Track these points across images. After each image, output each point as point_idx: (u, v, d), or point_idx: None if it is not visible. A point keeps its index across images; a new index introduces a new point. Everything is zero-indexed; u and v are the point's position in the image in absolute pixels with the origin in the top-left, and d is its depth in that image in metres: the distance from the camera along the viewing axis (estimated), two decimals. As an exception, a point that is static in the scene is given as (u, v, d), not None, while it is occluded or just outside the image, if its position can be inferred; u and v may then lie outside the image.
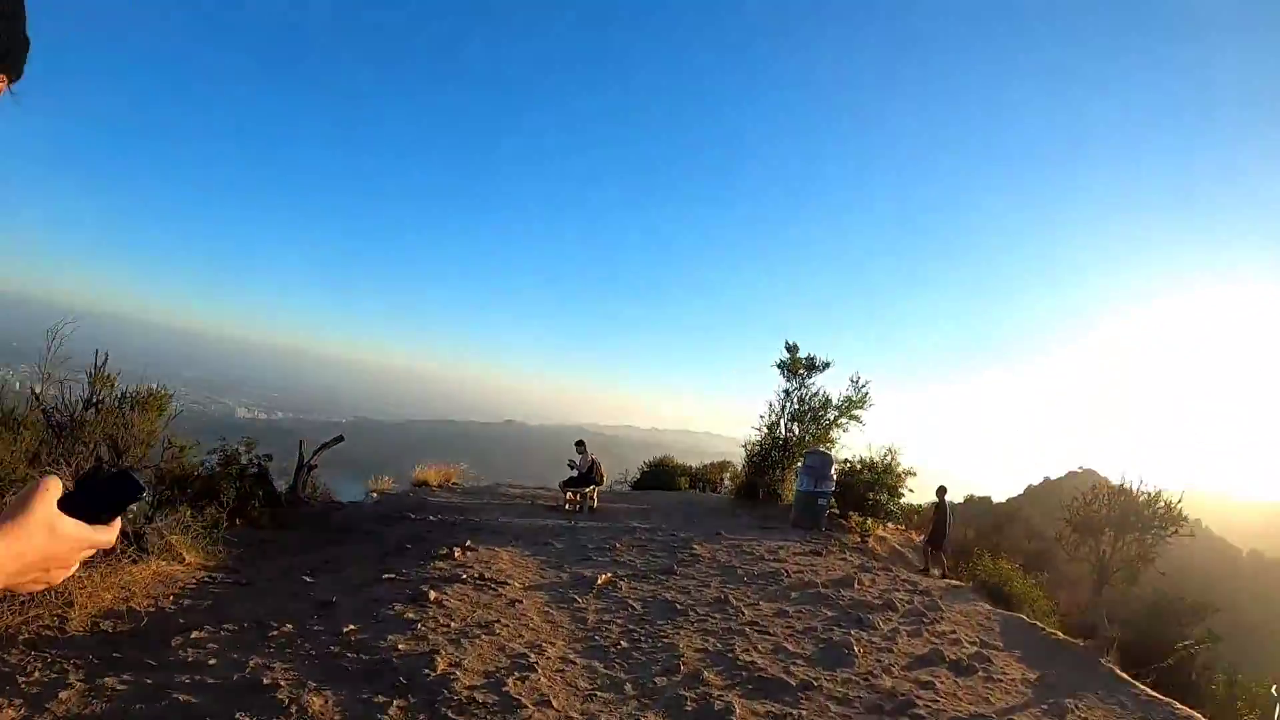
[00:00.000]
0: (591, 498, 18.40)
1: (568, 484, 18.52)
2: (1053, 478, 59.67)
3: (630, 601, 8.73)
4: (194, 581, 8.66)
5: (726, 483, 26.75)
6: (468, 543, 11.06)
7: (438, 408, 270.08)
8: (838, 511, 19.16)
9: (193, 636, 6.58)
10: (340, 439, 18.13)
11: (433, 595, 7.85)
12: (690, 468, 28.57)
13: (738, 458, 24.05)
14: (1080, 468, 59.22)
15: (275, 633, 6.71)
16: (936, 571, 15.88)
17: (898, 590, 11.20)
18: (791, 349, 21.91)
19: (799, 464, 19.69)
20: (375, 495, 19.99)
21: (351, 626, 6.86)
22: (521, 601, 8.19)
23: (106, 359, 11.03)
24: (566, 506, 18.14)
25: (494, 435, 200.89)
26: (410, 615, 7.24)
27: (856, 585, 10.88)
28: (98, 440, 9.91)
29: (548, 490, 21.54)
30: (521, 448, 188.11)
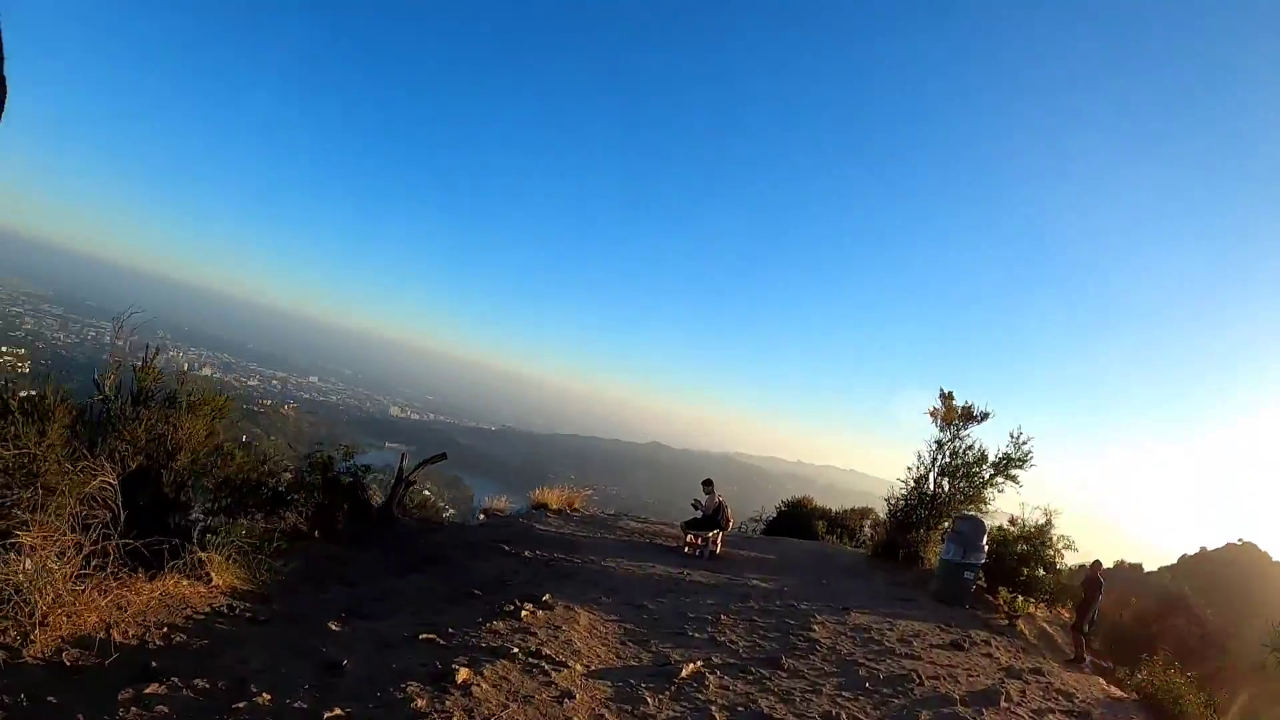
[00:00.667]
0: (714, 542, 16.62)
1: (690, 525, 16.89)
2: (1210, 548, 55.35)
3: (714, 710, 6.74)
4: (206, 610, 7.30)
5: (866, 530, 24.59)
6: (546, 597, 9.22)
7: (585, 424, 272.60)
8: (984, 586, 16.66)
9: (146, 691, 5.13)
10: (443, 456, 17.08)
11: (462, 675, 6.05)
12: (830, 512, 26.38)
13: (880, 503, 21.86)
14: (1240, 539, 54.79)
15: (245, 703, 5.15)
16: (1086, 657, 13.66)
17: (1052, 713, 8.86)
18: (946, 396, 19.48)
19: (946, 525, 17.34)
20: (483, 516, 18.83)
21: (338, 711, 5.22)
22: (573, 697, 6.22)
23: (157, 352, 10.08)
24: (686, 549, 16.49)
25: (638, 456, 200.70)
26: (419, 704, 5.43)
27: (1002, 702, 8.58)
28: (140, 439, 8.90)
29: (671, 527, 19.73)
30: (664, 470, 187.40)
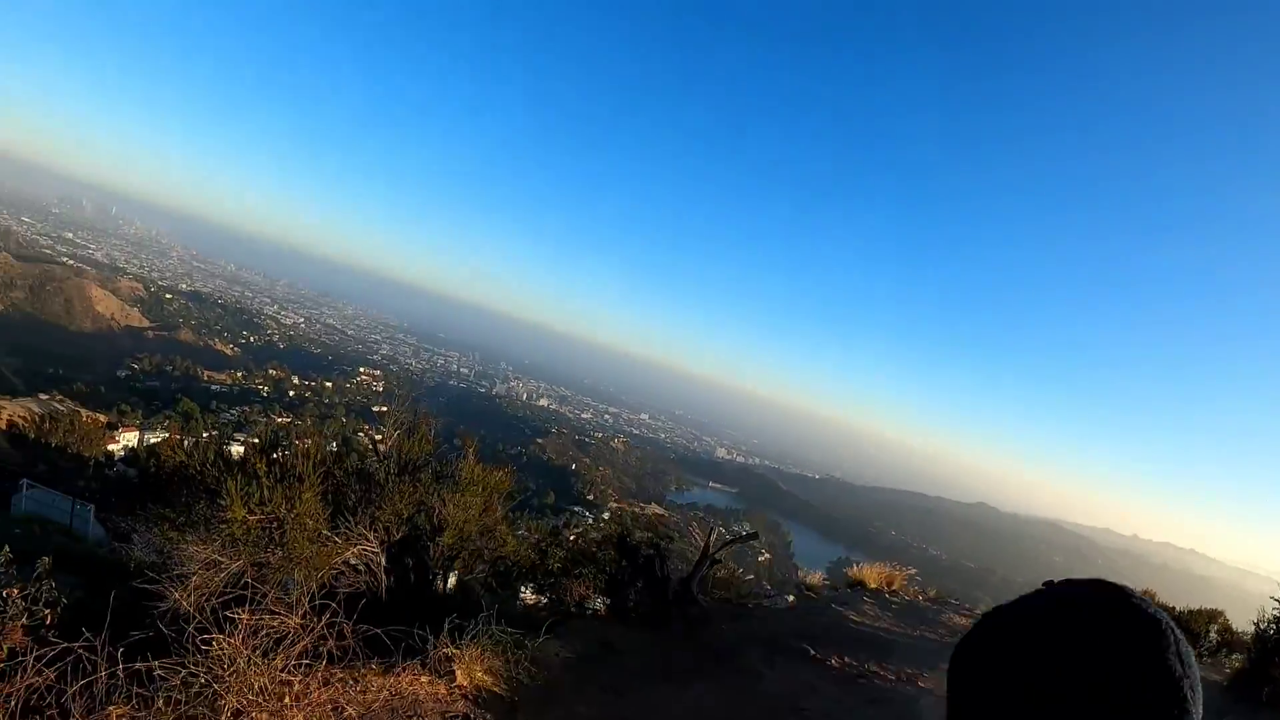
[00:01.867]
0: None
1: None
2: None
3: None
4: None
5: (1213, 636, 19.43)
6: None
7: (907, 480, 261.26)
8: None
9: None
10: (754, 536, 17.11)
11: None
12: (1172, 610, 21.45)
13: (1227, 599, 17.11)
14: None
15: None
16: None
17: None
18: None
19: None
20: (792, 600, 16.80)
21: None
22: None
23: (426, 419, 9.37)
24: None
25: (962, 516, 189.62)
26: None
27: None
28: (406, 510, 8.09)
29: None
30: (987, 534, 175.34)
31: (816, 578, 19.12)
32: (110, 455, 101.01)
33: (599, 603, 11.73)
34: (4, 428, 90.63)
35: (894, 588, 18.10)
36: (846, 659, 11.00)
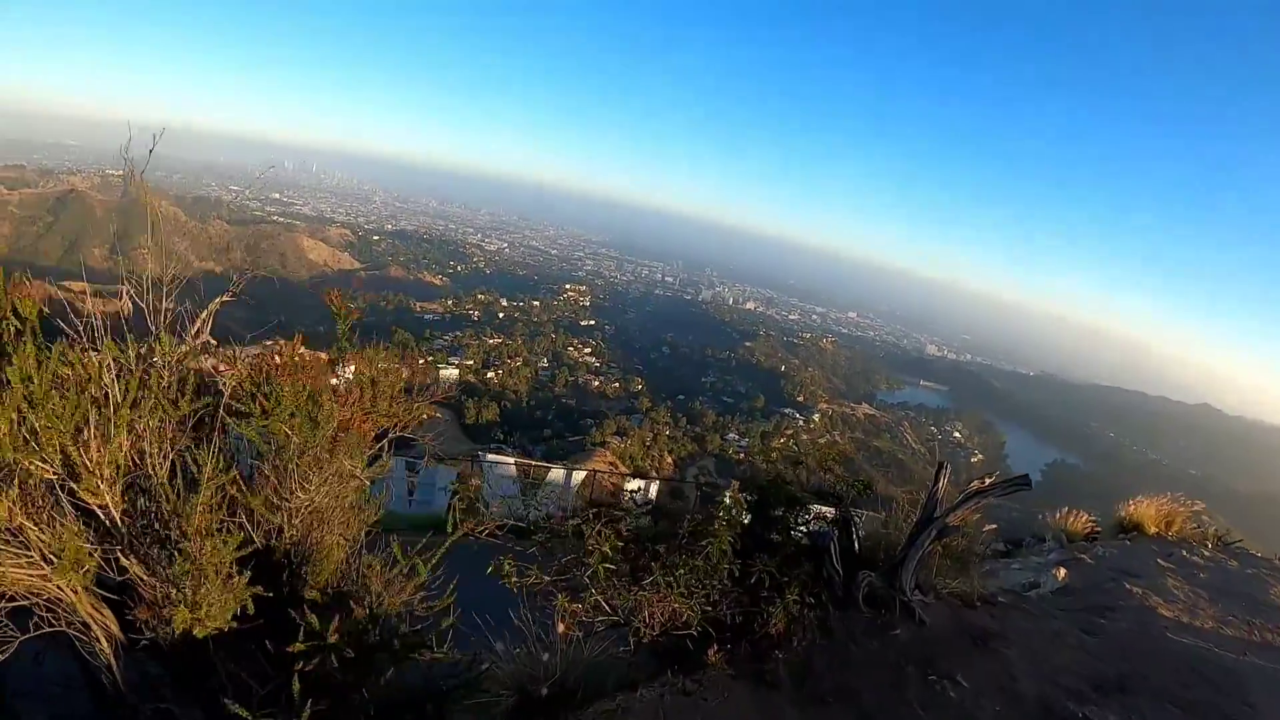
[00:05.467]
0: None
1: None
2: None
3: None
4: None
5: None
6: None
7: (1125, 377, 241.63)
8: None
9: None
10: (1023, 483, 8.00)
11: None
12: None
13: None
14: None
15: None
16: None
17: None
18: None
19: None
20: (1061, 575, 11.68)
21: None
22: None
23: None
24: None
25: (1185, 418, 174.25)
26: None
27: None
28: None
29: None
30: (1212, 439, 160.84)
31: (1080, 520, 15.67)
32: (335, 389, 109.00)
33: (724, 633, 6.66)
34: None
35: (1175, 530, 14.63)
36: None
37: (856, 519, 8.04)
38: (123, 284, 5.60)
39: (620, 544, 6.34)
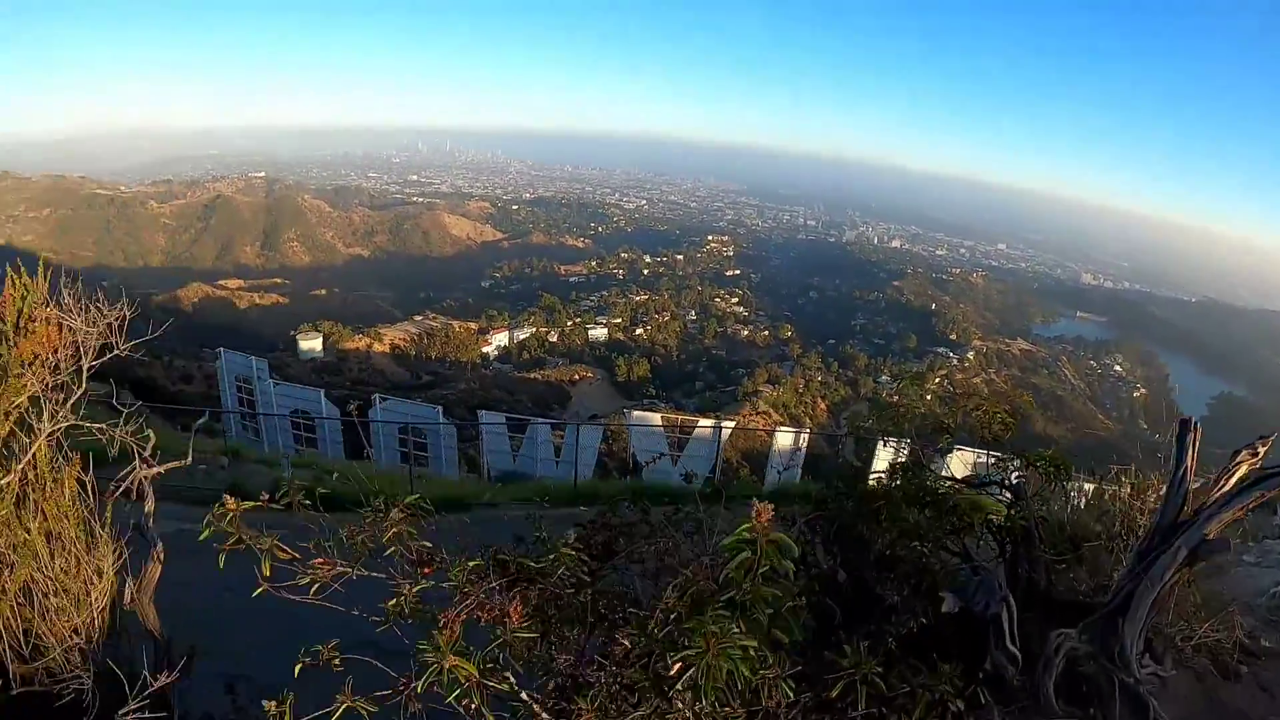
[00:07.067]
0: None
1: None
2: None
3: None
4: None
5: None
6: None
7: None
8: None
9: None
10: None
11: None
12: None
13: None
14: None
15: None
16: None
17: None
18: None
19: None
20: None
21: None
22: None
23: None
24: None
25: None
26: None
27: None
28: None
29: None
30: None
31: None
32: (485, 356, 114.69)
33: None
34: (387, 350, 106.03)
35: None
36: None
37: (1042, 533, 5.35)
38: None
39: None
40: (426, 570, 3.60)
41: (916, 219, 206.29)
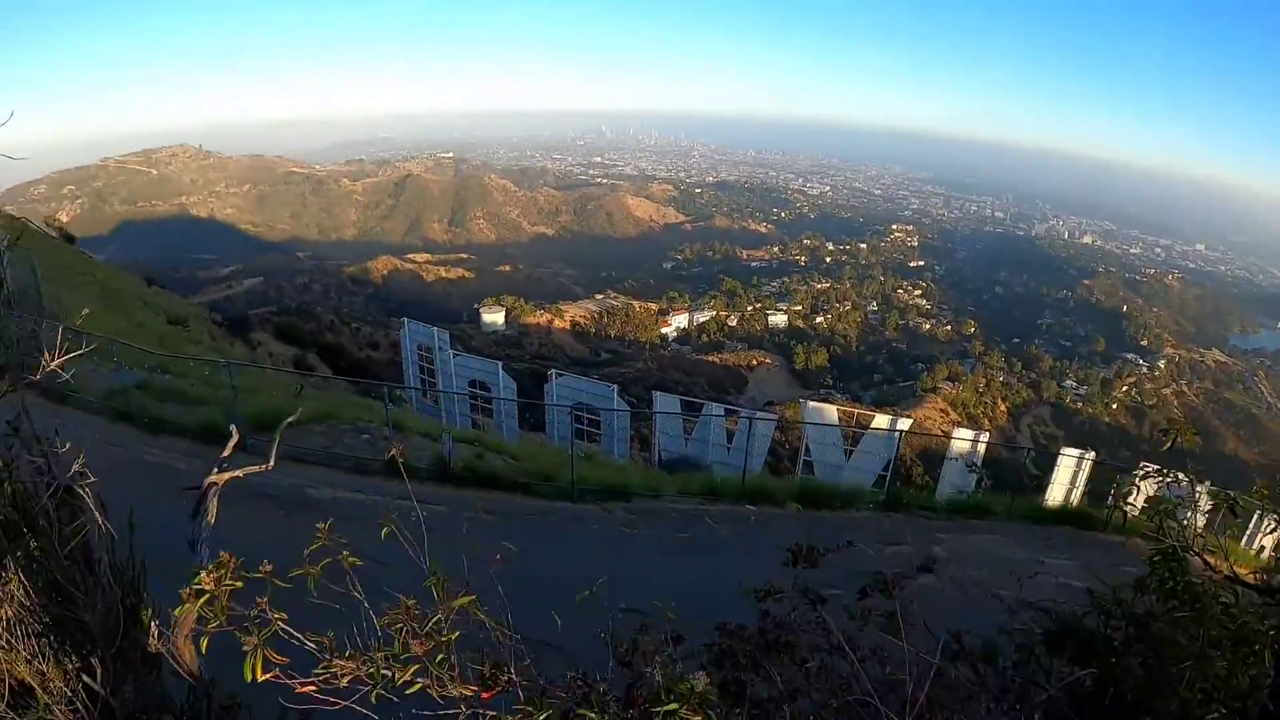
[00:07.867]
0: None
1: None
2: None
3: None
4: None
5: None
6: None
7: None
8: None
9: None
10: None
11: None
12: None
13: None
14: None
15: None
16: None
17: None
18: None
19: None
20: None
21: None
22: None
23: None
24: None
25: None
26: None
27: None
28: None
29: None
30: None
31: None
32: (664, 337, 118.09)
33: None
34: (567, 326, 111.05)
35: None
36: None
37: None
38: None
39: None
40: (486, 694, 2.50)
41: (1110, 214, 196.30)
